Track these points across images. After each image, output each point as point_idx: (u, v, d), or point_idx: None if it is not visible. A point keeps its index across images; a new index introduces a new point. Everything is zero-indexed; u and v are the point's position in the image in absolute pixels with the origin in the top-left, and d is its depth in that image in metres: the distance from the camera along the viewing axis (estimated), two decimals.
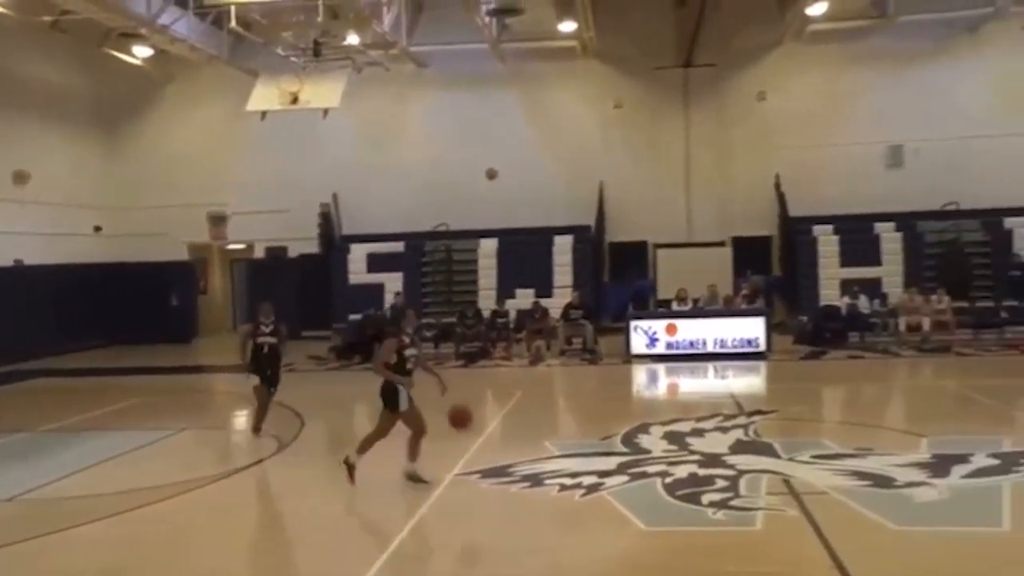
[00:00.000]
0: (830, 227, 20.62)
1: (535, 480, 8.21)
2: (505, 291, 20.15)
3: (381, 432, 8.19)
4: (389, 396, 8.09)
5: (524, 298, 19.72)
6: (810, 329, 18.46)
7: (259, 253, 23.96)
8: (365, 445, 8.15)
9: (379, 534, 7.22)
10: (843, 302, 18.67)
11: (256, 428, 10.67)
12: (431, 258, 21.70)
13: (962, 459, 8.44)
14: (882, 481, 7.80)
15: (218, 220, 23.80)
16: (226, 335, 23.10)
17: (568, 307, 18.34)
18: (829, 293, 19.62)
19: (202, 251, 24.54)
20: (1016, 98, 20.74)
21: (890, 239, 20.16)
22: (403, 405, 8.06)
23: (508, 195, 21.92)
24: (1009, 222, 19.93)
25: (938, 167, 20.72)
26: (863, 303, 18.42)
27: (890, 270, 19.81)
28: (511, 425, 11.40)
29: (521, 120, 22.92)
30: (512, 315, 18.87)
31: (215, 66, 21.44)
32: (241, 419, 12.22)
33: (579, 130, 22.78)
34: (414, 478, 8.11)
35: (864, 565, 5.78)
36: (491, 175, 22.10)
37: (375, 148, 23.01)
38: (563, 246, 21.17)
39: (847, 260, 20.00)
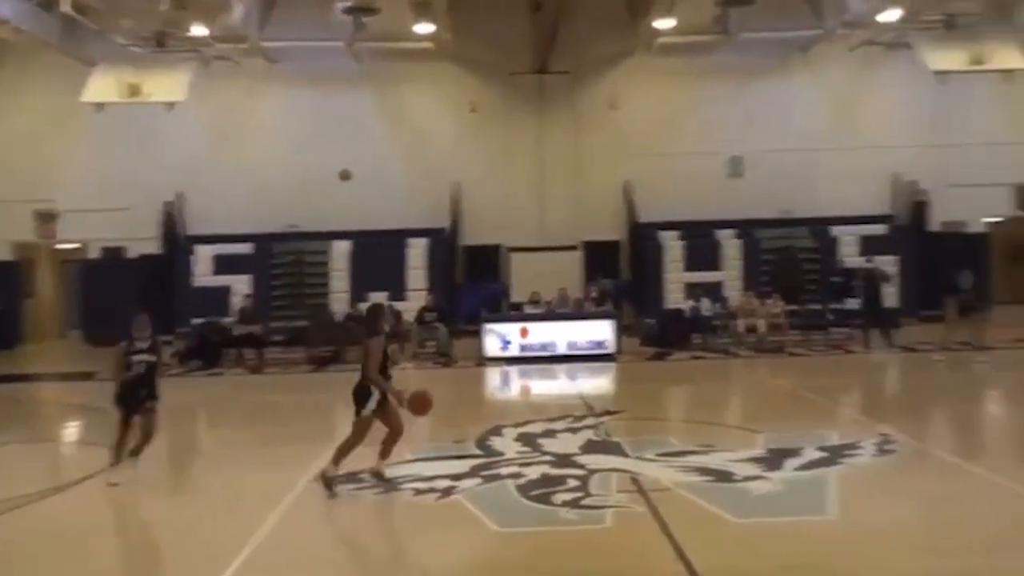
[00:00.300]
0: (675, 233, 21.46)
1: (389, 485, 8.12)
2: (358, 294, 19.85)
3: (359, 437, 7.79)
4: (362, 398, 7.73)
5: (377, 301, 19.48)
6: (656, 331, 19.13)
7: (94, 253, 22.62)
8: (340, 455, 7.73)
9: (225, 545, 6.93)
10: (687, 305, 19.46)
11: (114, 461, 8.59)
12: (281, 260, 21.13)
13: (794, 453, 8.94)
14: (722, 476, 8.16)
15: (47, 218, 22.35)
16: (55, 341, 21.69)
17: (422, 310, 18.29)
18: (674, 296, 20.43)
19: (28, 251, 22.94)
20: (844, 114, 22.29)
21: (730, 245, 21.18)
22: (371, 406, 7.71)
23: (362, 196, 21.63)
24: (835, 230, 21.35)
25: (774, 178, 21.94)
26: (705, 306, 19.23)
27: (730, 274, 20.80)
28: None
29: (376, 120, 22.69)
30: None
31: (47, 53, 20.10)
32: (71, 431, 11.48)
33: (434, 132, 22.79)
34: (378, 475, 7.90)
35: (706, 557, 6.02)
36: (344, 176, 21.71)
37: (223, 145, 22.23)
38: (417, 248, 21.07)
39: (691, 265, 20.88)
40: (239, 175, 21.90)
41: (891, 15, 19.24)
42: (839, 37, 21.21)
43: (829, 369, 16.00)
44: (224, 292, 20.07)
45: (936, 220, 22.23)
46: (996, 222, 22.73)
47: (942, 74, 19.83)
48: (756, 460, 8.78)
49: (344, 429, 8.02)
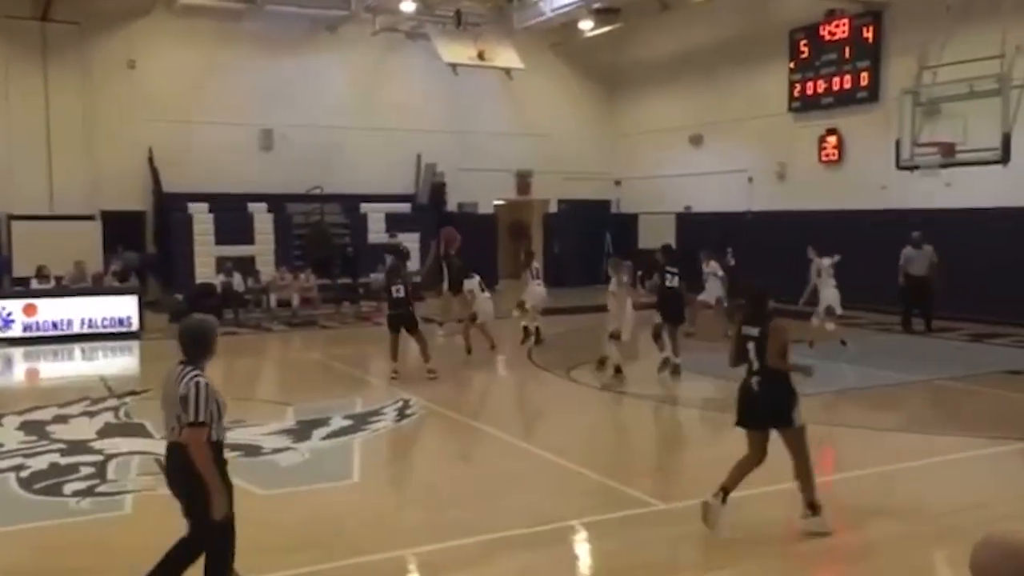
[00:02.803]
0: (205, 205, 20.70)
1: None
2: None
3: None
4: None
5: None
6: (185, 307, 18.32)
7: None
8: None
9: None
10: (218, 280, 18.95)
11: None
12: None
13: (322, 423, 9.28)
14: (251, 450, 8.17)
15: None
16: None
17: None
18: (204, 271, 19.72)
19: None
20: (369, 95, 23.25)
21: (263, 219, 21.02)
22: None
23: None
24: (364, 207, 22.34)
25: (305, 153, 22.19)
26: (237, 281, 18.91)
27: (263, 249, 20.66)
28: None
29: None
30: None
31: None
32: None
33: None
34: None
35: (237, 533, 6.00)
36: None
37: None
38: None
39: (222, 238, 20.27)
40: None
41: (408, 5, 20.57)
42: (364, 21, 22.10)
43: (358, 340, 16.75)
44: None
45: (453, 201, 24.39)
46: (501, 204, 25.64)
47: (455, 66, 21.68)
48: (285, 432, 8.94)
49: None
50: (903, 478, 7.41)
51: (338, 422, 9.36)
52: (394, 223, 21.45)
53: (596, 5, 21.21)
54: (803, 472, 6.08)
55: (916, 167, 13.99)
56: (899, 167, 14.25)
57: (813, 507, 6.10)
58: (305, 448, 8.36)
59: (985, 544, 2.06)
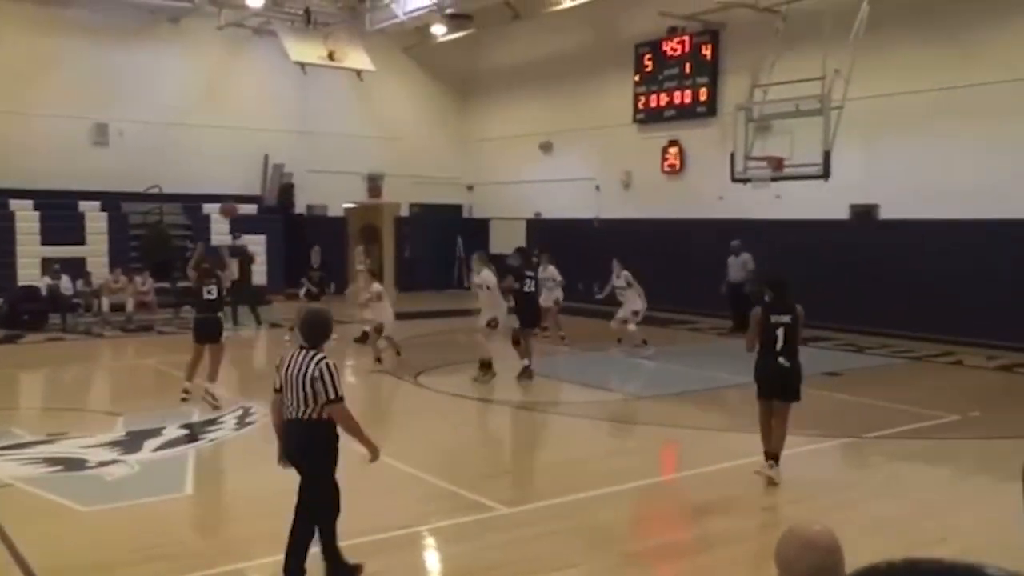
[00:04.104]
0: (31, 202, 19.35)
1: None
2: None
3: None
4: None
5: None
6: (6, 311, 17.12)
7: None
8: None
9: None
10: (44, 282, 17.76)
11: None
12: None
13: (155, 433, 8.83)
14: (74, 464, 7.68)
15: None
16: None
17: None
18: (29, 272, 18.42)
19: None
20: (212, 92, 22.40)
21: (95, 218, 19.86)
22: None
23: None
24: (207, 207, 21.47)
25: (143, 150, 21.12)
26: (65, 283, 17.80)
27: (95, 250, 19.50)
28: None
29: None
30: None
31: None
32: None
33: None
34: None
35: (48, 552, 5.63)
36: None
37: None
38: None
39: (49, 238, 18.98)
40: None
41: (255, 0, 19.96)
42: (209, 14, 21.29)
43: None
44: None
45: (302, 203, 23.84)
46: (351, 207, 25.27)
47: (303, 65, 21.19)
48: (113, 444, 8.46)
49: None
50: (733, 475, 7.77)
51: (172, 432, 8.94)
52: (239, 225, 20.71)
53: (449, 11, 21.27)
54: (783, 434, 7.32)
55: (748, 180, 14.74)
56: (733, 179, 14.97)
57: (776, 458, 7.34)
58: (134, 460, 7.93)
59: (787, 536, 2.18)
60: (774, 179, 14.53)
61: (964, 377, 12.99)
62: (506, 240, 21.52)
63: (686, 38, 20.05)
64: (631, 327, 14.34)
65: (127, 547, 5.88)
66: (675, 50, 20.34)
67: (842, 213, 17.08)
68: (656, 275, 15.97)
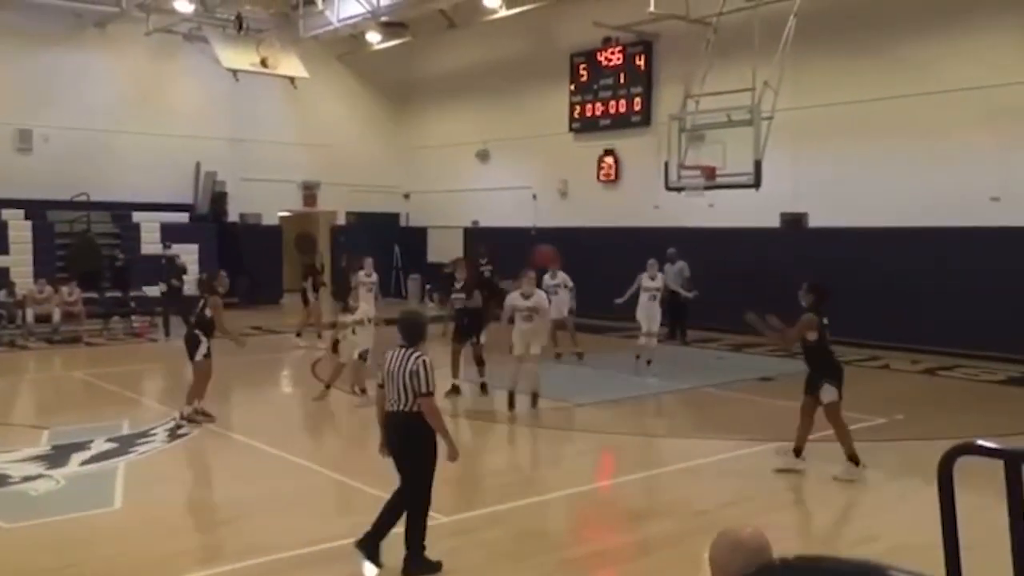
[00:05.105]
0: None
1: None
2: None
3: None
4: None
5: None
6: None
7: None
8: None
9: None
10: None
11: None
12: None
13: (82, 447, 8.59)
14: None
15: None
16: None
17: None
18: None
19: None
20: (143, 98, 21.90)
21: (19, 227, 19.25)
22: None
23: None
24: (137, 216, 21.01)
25: (70, 157, 20.55)
26: None
27: (19, 260, 18.91)
28: None
29: None
30: None
31: None
32: None
33: None
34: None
35: None
36: None
37: None
38: None
39: None
40: None
41: (184, 6, 19.62)
42: (137, 19, 20.83)
43: (127, 358, 15.65)
44: None
45: (235, 211, 23.44)
46: (286, 216, 24.95)
47: (235, 72, 20.86)
48: (38, 458, 8.21)
49: None
50: (670, 480, 7.87)
51: (100, 445, 8.70)
52: (170, 234, 20.27)
53: (384, 18, 21.18)
54: (809, 428, 7.97)
55: (682, 188, 14.98)
56: (667, 188, 15.20)
57: (799, 452, 7.94)
58: (60, 475, 7.70)
59: (719, 539, 2.24)
60: (707, 188, 14.79)
61: (890, 381, 13.37)
62: (444, 249, 21.48)
63: (620, 48, 20.32)
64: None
65: (52, 564, 5.71)
66: (610, 60, 20.60)
67: (773, 221, 17.47)
68: (593, 283, 16.09)
